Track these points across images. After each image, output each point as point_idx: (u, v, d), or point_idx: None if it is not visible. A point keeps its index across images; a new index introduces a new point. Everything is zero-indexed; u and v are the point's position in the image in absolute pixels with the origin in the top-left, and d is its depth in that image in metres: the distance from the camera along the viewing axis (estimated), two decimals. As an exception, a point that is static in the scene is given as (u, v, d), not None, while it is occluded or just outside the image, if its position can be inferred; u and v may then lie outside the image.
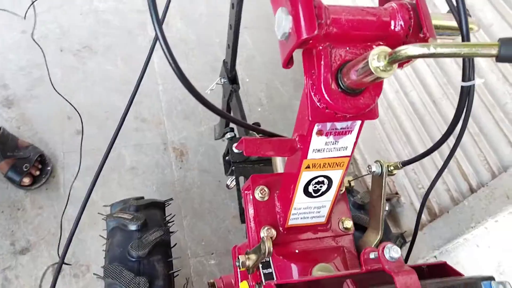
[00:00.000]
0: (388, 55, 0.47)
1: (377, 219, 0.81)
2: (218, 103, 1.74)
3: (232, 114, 1.31)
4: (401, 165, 0.78)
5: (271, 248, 0.67)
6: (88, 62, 2.13)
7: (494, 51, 0.42)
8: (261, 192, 0.81)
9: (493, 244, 1.39)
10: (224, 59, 1.29)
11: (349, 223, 0.81)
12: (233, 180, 1.33)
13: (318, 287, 0.60)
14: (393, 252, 0.55)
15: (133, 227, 1.05)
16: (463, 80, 0.53)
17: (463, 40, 0.54)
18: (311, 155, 0.67)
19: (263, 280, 0.75)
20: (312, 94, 0.60)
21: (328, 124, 0.64)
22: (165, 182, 1.84)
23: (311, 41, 0.56)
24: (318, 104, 0.59)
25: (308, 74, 0.60)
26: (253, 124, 1.26)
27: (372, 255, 0.60)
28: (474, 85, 0.53)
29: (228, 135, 1.21)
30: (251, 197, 0.83)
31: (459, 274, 0.62)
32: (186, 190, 1.85)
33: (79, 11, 2.31)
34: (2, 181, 1.68)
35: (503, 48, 0.42)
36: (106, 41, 2.24)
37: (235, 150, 1.13)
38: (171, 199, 1.27)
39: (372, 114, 0.62)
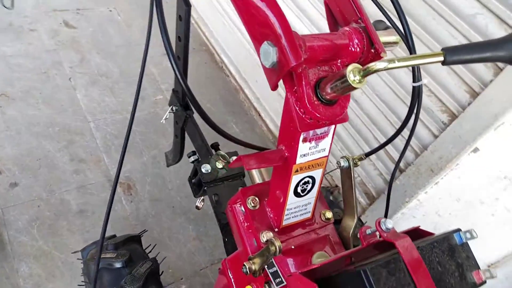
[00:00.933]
0: (362, 70, 0.60)
1: (351, 206, 0.95)
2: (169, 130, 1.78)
3: (190, 139, 1.37)
4: (364, 156, 0.93)
5: (281, 246, 0.76)
6: (7, 110, 2.00)
7: (440, 58, 0.58)
8: (253, 201, 0.89)
9: (427, 212, 1.64)
10: (173, 88, 1.35)
11: (329, 214, 0.94)
12: (201, 200, 1.39)
13: (331, 268, 0.71)
14: (387, 224, 0.68)
15: (119, 264, 1.05)
16: (414, 81, 0.69)
17: (410, 53, 0.70)
18: (299, 160, 0.78)
19: (272, 279, 0.83)
20: (297, 108, 0.71)
21: (311, 132, 0.75)
22: (119, 218, 1.81)
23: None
24: (303, 116, 0.71)
25: (291, 93, 0.71)
26: (212, 144, 1.35)
27: (368, 231, 0.73)
28: (422, 84, 0.69)
29: (192, 158, 1.27)
30: (242, 208, 0.91)
31: (431, 234, 0.78)
32: (141, 222, 1.84)
33: (-15, 59, 2.17)
34: None
35: (448, 55, 0.57)
36: (22, 85, 2.12)
37: (204, 170, 1.19)
38: (145, 230, 1.29)
39: (344, 118, 0.76)
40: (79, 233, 1.72)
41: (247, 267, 0.82)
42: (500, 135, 1.30)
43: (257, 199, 0.90)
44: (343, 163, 0.93)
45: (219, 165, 1.24)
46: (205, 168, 1.21)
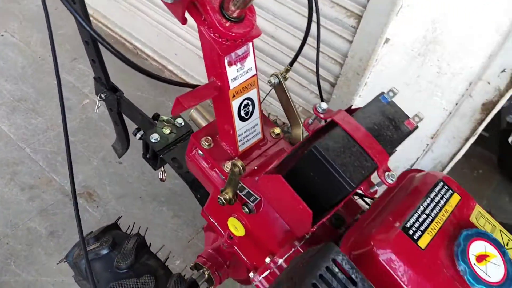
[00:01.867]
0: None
1: (294, 116, 1.03)
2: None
3: (130, 119, 1.37)
4: (289, 67, 1.00)
5: (243, 164, 0.82)
6: None
7: None
8: (206, 141, 0.95)
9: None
10: (94, 76, 1.33)
11: (278, 130, 1.01)
12: (163, 171, 1.42)
13: (290, 163, 0.78)
14: (322, 106, 0.77)
15: (105, 250, 1.08)
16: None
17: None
18: (232, 84, 0.84)
19: (247, 199, 0.90)
20: (212, 35, 0.76)
21: (233, 54, 0.81)
22: (92, 225, 1.80)
23: (193, -4, 0.71)
24: (220, 40, 0.76)
25: (201, 23, 0.76)
26: (152, 116, 1.36)
27: (310, 121, 0.81)
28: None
29: (139, 135, 1.29)
30: (199, 151, 0.96)
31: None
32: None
33: None
34: None
35: None
36: None
37: (153, 140, 1.22)
38: (120, 216, 1.31)
39: (257, 32, 0.81)
40: (57, 253, 1.70)
41: (222, 198, 0.89)
42: (402, 18, 1.42)
43: (209, 138, 0.95)
44: (274, 80, 1.00)
45: (166, 130, 1.27)
46: (154, 137, 1.24)
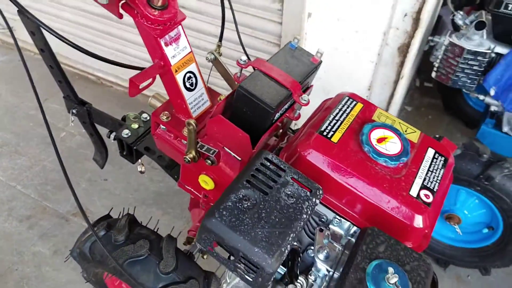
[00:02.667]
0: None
1: (233, 82, 1.23)
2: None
3: (102, 125, 1.55)
4: (220, 43, 1.22)
5: (195, 121, 1.02)
6: None
7: None
8: (165, 115, 1.15)
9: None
10: (63, 96, 1.52)
11: (223, 96, 1.22)
12: (140, 164, 1.61)
13: (230, 108, 0.98)
14: (242, 58, 0.98)
15: (102, 232, 1.25)
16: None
17: None
18: (172, 61, 1.04)
19: (207, 153, 1.09)
20: (146, 23, 0.97)
21: (167, 36, 1.02)
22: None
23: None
24: (153, 26, 0.97)
25: (135, 16, 0.96)
26: (122, 118, 1.55)
27: (238, 74, 1.02)
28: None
29: (112, 136, 1.48)
30: (162, 126, 1.16)
31: (281, 58, 1.09)
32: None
33: None
34: None
35: None
36: None
37: (125, 135, 1.41)
38: (112, 208, 1.48)
39: (181, 17, 1.03)
40: (64, 267, 1.85)
41: (187, 157, 1.08)
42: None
43: (167, 112, 1.15)
44: (210, 57, 1.21)
45: (135, 125, 1.46)
46: (125, 133, 1.43)
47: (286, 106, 0.98)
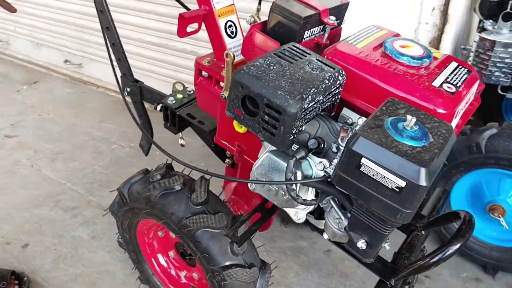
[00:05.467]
0: None
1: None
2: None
3: (150, 102, 1.70)
4: (259, 7, 1.37)
5: (233, 52, 1.13)
6: (-11, 204, 2.18)
7: None
8: (208, 61, 1.28)
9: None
10: (120, 76, 1.70)
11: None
12: (181, 138, 1.71)
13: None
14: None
15: (141, 175, 1.33)
16: None
17: None
18: (216, 6, 1.20)
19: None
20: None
21: (213, -14, 1.19)
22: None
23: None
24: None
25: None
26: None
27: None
28: None
29: (159, 107, 1.62)
30: (204, 73, 1.29)
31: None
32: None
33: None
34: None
35: None
36: (-7, 184, 2.32)
37: (170, 102, 1.55)
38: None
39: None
40: (100, 250, 1.89)
41: (224, 94, 1.19)
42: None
43: (208, 58, 1.29)
44: (251, 20, 1.36)
45: (180, 95, 1.60)
46: (170, 100, 1.57)
47: (315, 29, 1.08)
